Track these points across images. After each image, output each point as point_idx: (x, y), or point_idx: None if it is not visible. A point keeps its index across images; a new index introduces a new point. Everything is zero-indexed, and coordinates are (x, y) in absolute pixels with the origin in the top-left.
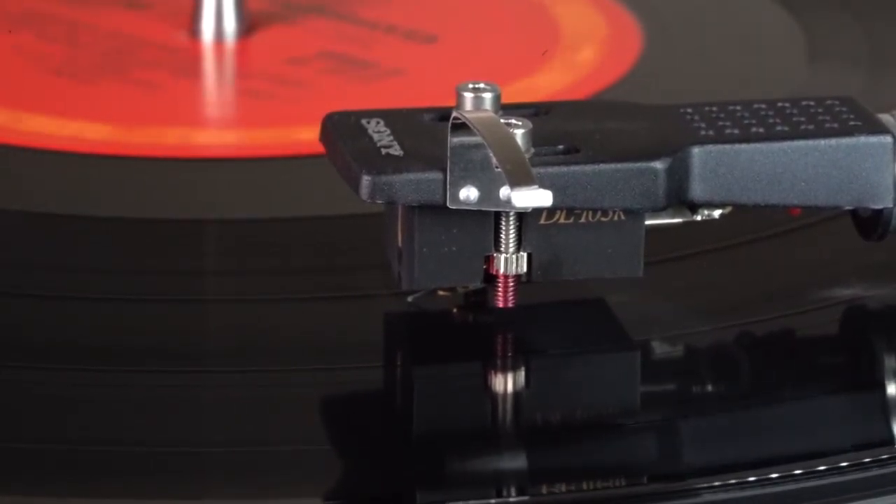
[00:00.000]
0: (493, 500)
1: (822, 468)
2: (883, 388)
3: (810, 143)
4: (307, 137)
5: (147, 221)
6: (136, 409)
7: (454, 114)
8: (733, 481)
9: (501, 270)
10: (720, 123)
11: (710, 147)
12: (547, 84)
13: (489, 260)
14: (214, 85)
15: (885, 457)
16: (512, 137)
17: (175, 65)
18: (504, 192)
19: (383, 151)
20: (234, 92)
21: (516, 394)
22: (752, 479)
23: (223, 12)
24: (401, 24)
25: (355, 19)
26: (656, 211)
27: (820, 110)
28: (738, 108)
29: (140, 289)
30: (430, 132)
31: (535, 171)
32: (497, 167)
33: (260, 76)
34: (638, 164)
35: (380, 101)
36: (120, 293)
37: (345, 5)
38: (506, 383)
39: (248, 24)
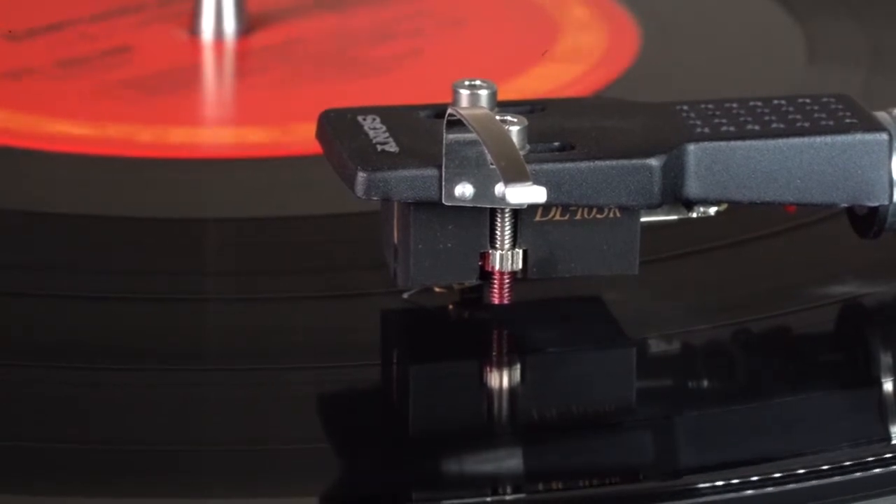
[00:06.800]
0: (489, 499)
1: (817, 465)
2: (879, 386)
3: (806, 140)
4: (306, 136)
5: (148, 221)
6: (136, 409)
7: (449, 110)
8: (729, 480)
9: (497, 267)
10: (716, 121)
11: (706, 144)
12: (545, 83)
13: (485, 257)
14: (214, 84)
15: (881, 454)
16: (507, 134)
17: (174, 64)
18: (499, 188)
19: (379, 148)
20: (233, 91)
21: (512, 391)
22: (747, 477)
23: (223, 12)
24: (400, 22)
25: (353, 19)
26: (652, 208)
27: (816, 108)
28: (734, 105)
29: (140, 288)
30: (425, 129)
31: (530, 167)
32: (492, 164)
33: (260, 76)
34: (633, 161)
35: (376, 98)
36: (120, 293)
37: (341, 6)
38: (502, 381)
39: (248, 24)
